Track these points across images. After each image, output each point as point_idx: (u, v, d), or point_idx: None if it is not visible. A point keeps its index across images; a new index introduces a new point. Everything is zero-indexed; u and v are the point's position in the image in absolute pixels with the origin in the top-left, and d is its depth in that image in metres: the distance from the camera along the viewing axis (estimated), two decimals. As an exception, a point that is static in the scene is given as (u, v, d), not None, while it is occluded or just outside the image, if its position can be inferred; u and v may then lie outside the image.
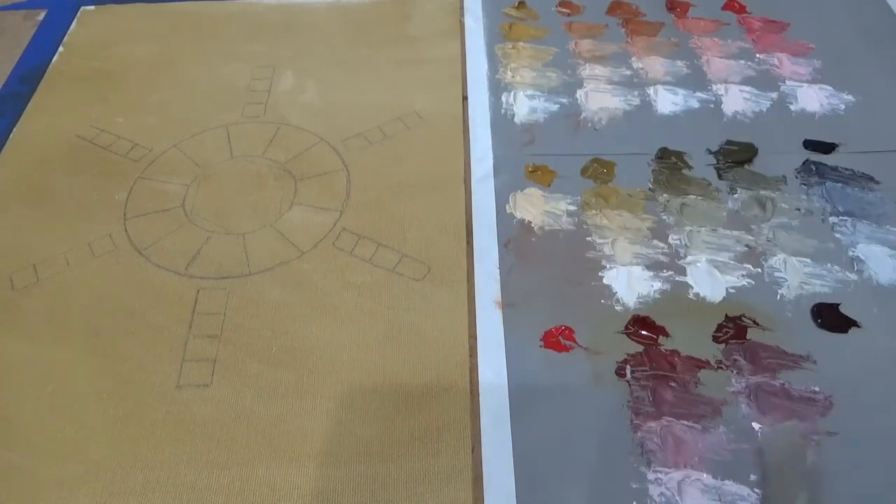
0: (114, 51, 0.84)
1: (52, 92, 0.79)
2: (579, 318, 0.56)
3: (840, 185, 0.65)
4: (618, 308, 0.57)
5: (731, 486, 0.47)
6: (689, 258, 0.60)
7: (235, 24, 0.87)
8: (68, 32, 0.86)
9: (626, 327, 0.56)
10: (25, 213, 0.67)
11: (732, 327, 0.55)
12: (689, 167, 0.67)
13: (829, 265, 0.59)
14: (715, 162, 0.68)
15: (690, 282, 0.58)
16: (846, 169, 0.66)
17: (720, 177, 0.66)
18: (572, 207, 0.64)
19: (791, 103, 0.73)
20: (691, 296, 0.58)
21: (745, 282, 0.58)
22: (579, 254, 0.61)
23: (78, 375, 0.55)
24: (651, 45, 0.80)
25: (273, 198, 0.67)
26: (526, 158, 0.69)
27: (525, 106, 0.74)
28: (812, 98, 0.73)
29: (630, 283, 0.58)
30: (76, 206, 0.67)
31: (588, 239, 0.62)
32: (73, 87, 0.79)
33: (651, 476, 0.48)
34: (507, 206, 0.64)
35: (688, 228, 0.62)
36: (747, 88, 0.75)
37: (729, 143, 0.69)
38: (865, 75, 0.76)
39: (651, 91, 0.75)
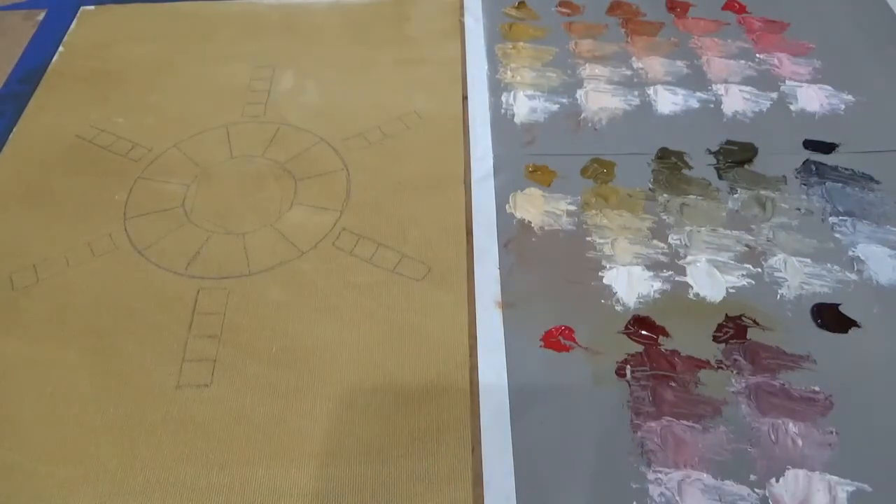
0: (114, 51, 0.84)
1: (52, 92, 0.79)
2: (579, 318, 0.56)
3: (840, 185, 0.65)
4: (618, 308, 0.57)
5: (731, 486, 0.47)
6: (689, 258, 0.60)
7: (235, 24, 0.87)
8: (68, 32, 0.86)
9: (626, 327, 0.56)
10: (25, 213, 0.67)
11: (732, 327, 0.55)
12: (689, 167, 0.67)
13: (829, 265, 0.59)
14: (715, 162, 0.68)
15: (690, 282, 0.58)
16: (846, 169, 0.66)
17: (720, 177, 0.66)
18: (572, 207, 0.64)
19: (791, 103, 0.73)
20: (691, 296, 0.58)
21: (745, 282, 0.58)
22: (579, 254, 0.61)
23: (78, 375, 0.55)
24: (651, 45, 0.81)
25: (273, 198, 0.67)
26: (526, 158, 0.69)
27: (525, 106, 0.74)
28: (812, 98, 0.73)
29: (630, 283, 0.58)
30: (76, 206, 0.67)
31: (588, 239, 0.62)
32: (73, 87, 0.79)
33: (651, 476, 0.48)
34: (507, 206, 0.64)
35: (688, 228, 0.62)
36: (747, 88, 0.75)
37: (729, 143, 0.69)
38: (865, 75, 0.76)
39: (651, 91, 0.75)
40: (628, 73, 0.77)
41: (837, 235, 0.61)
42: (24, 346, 0.57)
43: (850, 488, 0.47)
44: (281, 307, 0.59)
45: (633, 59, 0.79)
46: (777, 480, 0.47)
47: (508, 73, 0.78)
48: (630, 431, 0.50)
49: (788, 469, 0.48)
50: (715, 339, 0.55)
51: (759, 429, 0.50)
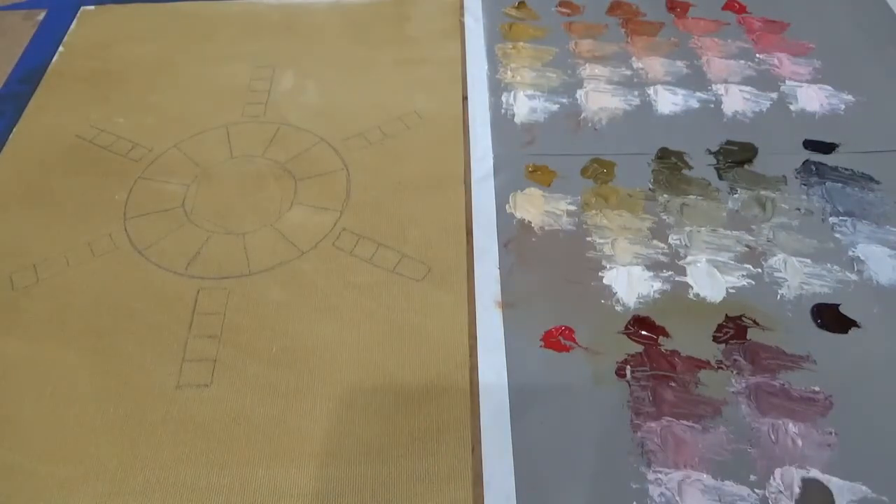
0: (114, 51, 0.84)
1: (52, 92, 0.79)
2: (579, 318, 0.56)
3: (840, 185, 0.65)
4: (618, 308, 0.57)
5: (731, 487, 0.47)
6: (689, 258, 0.60)
7: (235, 24, 0.87)
8: (68, 32, 0.86)
9: (626, 327, 0.56)
10: (25, 213, 0.67)
11: (732, 327, 0.55)
12: (689, 167, 0.67)
13: (829, 265, 0.59)
14: (715, 162, 0.68)
15: (690, 282, 0.58)
16: (846, 169, 0.66)
17: (720, 177, 0.66)
18: (572, 207, 0.64)
19: (791, 103, 0.73)
20: (691, 296, 0.58)
21: (745, 282, 0.58)
22: (579, 254, 0.61)
23: (78, 375, 0.55)
24: (651, 45, 0.81)
25: (273, 198, 0.67)
26: (526, 158, 0.69)
27: (525, 106, 0.74)
28: (812, 98, 0.73)
29: (630, 283, 0.58)
30: (76, 206, 0.67)
31: (588, 239, 0.62)
32: (73, 87, 0.79)
33: (651, 476, 0.48)
34: (507, 206, 0.64)
35: (688, 228, 0.62)
36: (747, 88, 0.75)
37: (729, 143, 0.69)
38: (865, 75, 0.76)
39: (651, 91, 0.75)
40: (628, 73, 0.77)
41: (837, 235, 0.61)
42: (24, 346, 0.57)
43: (850, 488, 0.47)
44: (281, 307, 0.59)
45: (633, 59, 0.79)
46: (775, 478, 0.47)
47: (508, 73, 0.78)
48: (630, 431, 0.50)
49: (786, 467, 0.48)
50: (715, 339, 0.55)
51: (759, 429, 0.50)
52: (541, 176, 0.67)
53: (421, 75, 0.79)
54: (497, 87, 0.76)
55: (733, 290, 0.58)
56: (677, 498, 0.47)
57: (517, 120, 0.73)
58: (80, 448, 0.51)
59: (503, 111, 0.74)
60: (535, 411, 0.51)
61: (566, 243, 0.61)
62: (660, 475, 0.48)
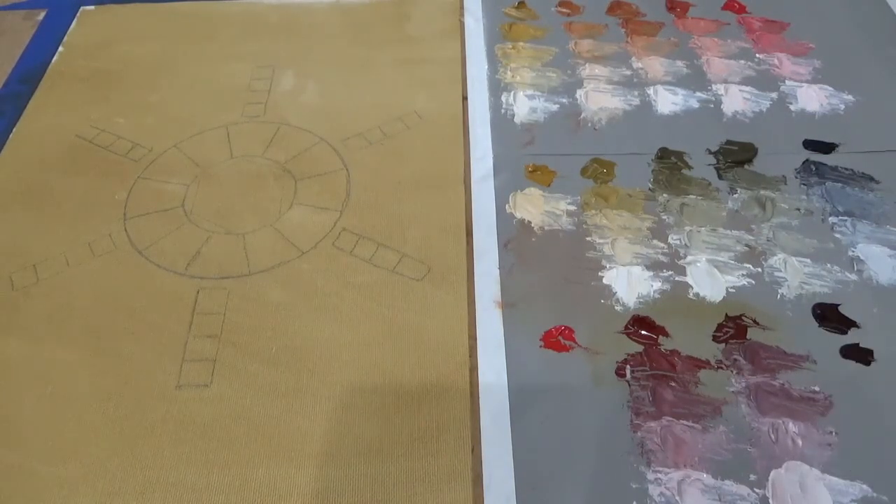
0: (114, 51, 0.84)
1: (52, 92, 0.79)
2: (579, 318, 0.56)
3: (840, 185, 0.65)
4: (618, 308, 0.57)
5: (731, 486, 0.47)
6: (689, 258, 0.60)
7: (235, 24, 0.87)
8: (68, 32, 0.86)
9: (626, 327, 0.56)
10: (25, 213, 0.67)
11: (732, 327, 0.55)
12: (689, 167, 0.67)
13: (829, 265, 0.59)
14: (715, 162, 0.68)
15: (690, 282, 0.58)
16: (846, 169, 0.66)
17: (720, 177, 0.66)
18: (572, 207, 0.64)
19: (791, 103, 0.73)
20: (691, 296, 0.58)
21: (745, 282, 0.58)
22: (579, 254, 0.61)
23: (78, 375, 0.55)
24: (651, 45, 0.81)
25: (273, 198, 0.67)
26: (526, 158, 0.69)
27: (525, 106, 0.74)
28: (812, 98, 0.73)
29: (630, 283, 0.58)
30: (76, 206, 0.67)
31: (588, 239, 0.62)
32: (73, 87, 0.79)
33: (651, 476, 0.48)
34: (507, 206, 0.64)
35: (688, 228, 0.62)
36: (747, 88, 0.75)
37: (729, 143, 0.69)
38: (865, 75, 0.76)
39: (651, 91, 0.75)
40: (628, 73, 0.77)
41: (837, 235, 0.61)
42: (24, 346, 0.57)
43: (850, 488, 0.47)
44: (281, 307, 0.59)
45: (633, 59, 0.79)
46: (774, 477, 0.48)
47: (508, 73, 0.78)
48: (630, 431, 0.50)
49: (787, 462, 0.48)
50: (715, 339, 0.55)
51: (759, 429, 0.50)
52: (541, 176, 0.67)
53: (421, 75, 0.79)
54: (497, 87, 0.76)
55: (733, 290, 0.58)
56: (677, 498, 0.47)
57: (517, 120, 0.73)
58: (80, 448, 0.51)
59: (503, 111, 0.74)
60: (535, 411, 0.51)
61: (566, 243, 0.61)
62: (660, 475, 0.48)
